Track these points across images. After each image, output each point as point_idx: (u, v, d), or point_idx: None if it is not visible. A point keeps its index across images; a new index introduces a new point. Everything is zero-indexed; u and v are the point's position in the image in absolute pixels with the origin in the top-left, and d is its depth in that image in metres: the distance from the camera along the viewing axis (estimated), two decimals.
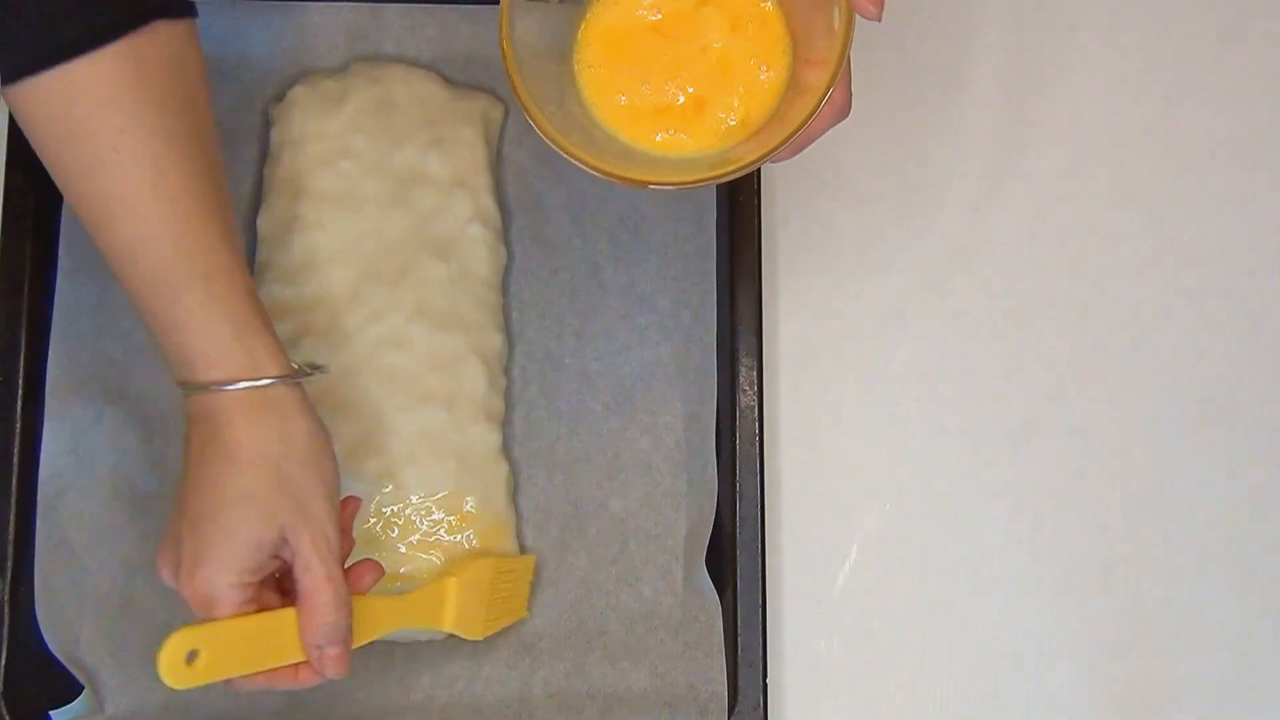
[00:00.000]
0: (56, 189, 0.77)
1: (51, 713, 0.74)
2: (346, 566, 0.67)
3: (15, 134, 0.76)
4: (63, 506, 0.75)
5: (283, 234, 0.78)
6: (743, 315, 0.78)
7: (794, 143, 0.60)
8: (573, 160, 0.60)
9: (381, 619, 0.69)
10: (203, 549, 0.62)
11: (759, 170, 0.78)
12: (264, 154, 0.80)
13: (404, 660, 0.76)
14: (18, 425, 0.74)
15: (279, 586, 0.66)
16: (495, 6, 0.64)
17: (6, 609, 0.73)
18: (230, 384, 0.63)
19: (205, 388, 0.63)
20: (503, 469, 0.77)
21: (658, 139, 0.64)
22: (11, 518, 0.73)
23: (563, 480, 0.79)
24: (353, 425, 0.75)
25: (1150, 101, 0.87)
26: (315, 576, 0.64)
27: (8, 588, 0.73)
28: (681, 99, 0.64)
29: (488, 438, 0.76)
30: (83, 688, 0.74)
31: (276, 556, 0.64)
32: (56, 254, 0.77)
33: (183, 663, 0.61)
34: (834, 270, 0.84)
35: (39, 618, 0.73)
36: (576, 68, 0.65)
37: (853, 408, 0.82)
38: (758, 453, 0.76)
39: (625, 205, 0.81)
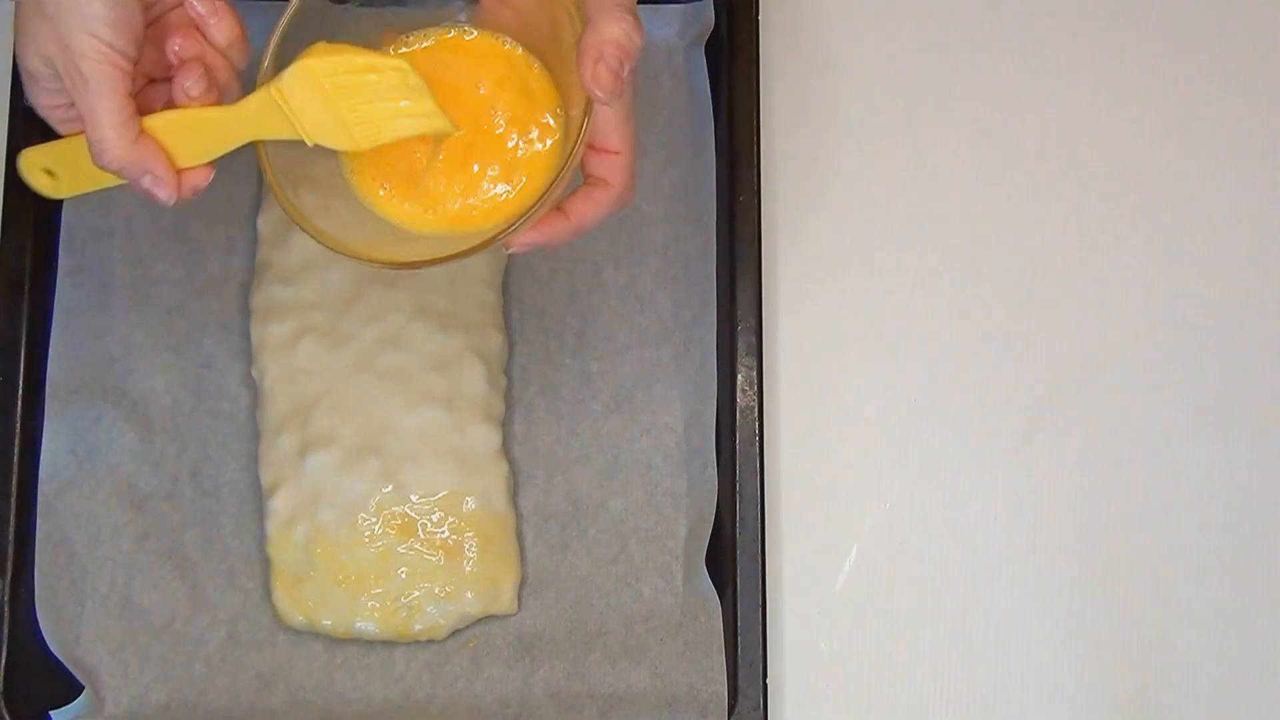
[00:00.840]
0: None
1: (51, 713, 0.74)
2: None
3: (15, 134, 0.76)
4: (63, 506, 0.75)
5: (283, 234, 0.78)
6: (743, 315, 0.78)
7: (556, 224, 0.59)
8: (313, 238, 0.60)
9: (220, 131, 0.62)
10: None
11: (759, 171, 0.78)
12: None
13: (404, 660, 0.76)
14: (18, 425, 0.74)
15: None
16: None
17: (6, 609, 0.73)
18: None
19: None
20: (503, 469, 0.77)
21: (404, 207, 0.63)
22: (11, 518, 0.73)
23: (563, 480, 0.79)
24: (353, 425, 0.75)
25: (1146, 106, 0.86)
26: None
27: (8, 588, 0.73)
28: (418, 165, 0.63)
29: (488, 438, 0.76)
30: (83, 688, 0.74)
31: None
32: (56, 254, 0.77)
33: (45, 179, 0.65)
34: (834, 271, 0.84)
35: (39, 617, 0.73)
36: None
37: (853, 408, 0.82)
38: (758, 453, 0.76)
39: None
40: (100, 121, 0.60)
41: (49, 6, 0.59)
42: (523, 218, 0.58)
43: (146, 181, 0.61)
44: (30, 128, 0.71)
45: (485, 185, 0.63)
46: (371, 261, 0.60)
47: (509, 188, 0.63)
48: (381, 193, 0.64)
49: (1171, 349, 0.84)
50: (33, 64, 0.61)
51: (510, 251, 0.60)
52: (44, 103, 0.63)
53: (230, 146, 0.63)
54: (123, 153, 0.60)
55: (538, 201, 0.58)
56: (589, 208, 0.60)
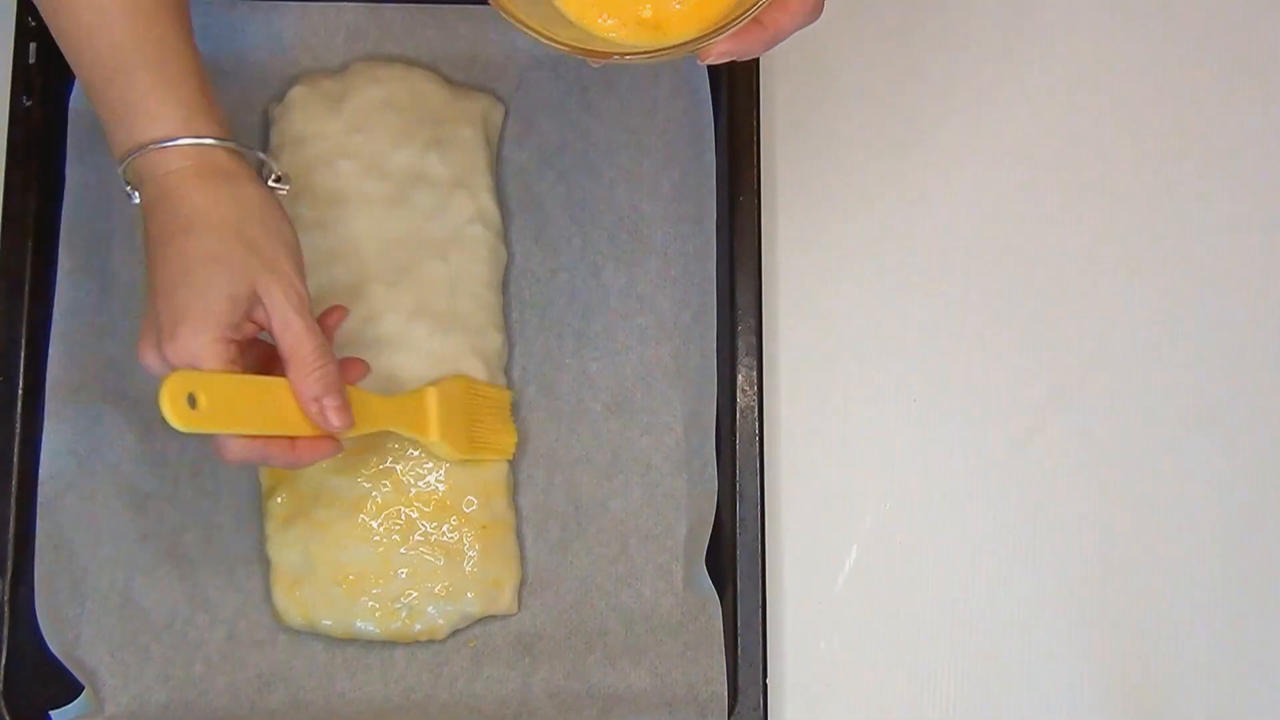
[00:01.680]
0: (56, 189, 0.78)
1: (51, 713, 0.74)
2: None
3: (15, 133, 0.76)
4: (63, 506, 0.75)
5: None
6: (743, 315, 0.78)
7: (753, 34, 0.58)
8: (534, 36, 0.58)
9: (374, 412, 0.70)
10: (180, 311, 0.63)
11: (758, 170, 0.79)
12: None
13: (404, 660, 0.76)
14: (18, 425, 0.74)
15: (263, 368, 0.67)
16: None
17: (6, 609, 0.73)
18: (172, 140, 0.65)
19: (145, 147, 0.65)
20: (503, 469, 0.77)
21: (600, 20, 0.61)
22: (11, 518, 0.73)
23: (563, 480, 0.79)
24: None
25: (1147, 109, 0.86)
26: (294, 329, 0.65)
27: (8, 588, 0.73)
28: None
29: None
30: (83, 688, 0.74)
31: (250, 320, 0.65)
32: (56, 254, 0.77)
33: (184, 404, 0.61)
34: (834, 271, 0.84)
35: (39, 618, 0.73)
36: None
37: (853, 407, 0.82)
38: (758, 453, 0.76)
39: (625, 205, 0.81)
40: (319, 336, 0.66)
41: (256, 235, 0.65)
42: (728, 26, 0.58)
43: (335, 401, 0.65)
44: (30, 124, 0.71)
45: None
46: (578, 51, 0.59)
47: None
48: (585, 7, 0.62)
49: (1171, 350, 0.84)
50: (218, 302, 0.63)
51: (705, 62, 0.59)
52: (215, 338, 0.63)
53: (375, 428, 0.71)
54: (331, 364, 0.66)
55: (745, 12, 0.58)
56: (785, 18, 0.59)
